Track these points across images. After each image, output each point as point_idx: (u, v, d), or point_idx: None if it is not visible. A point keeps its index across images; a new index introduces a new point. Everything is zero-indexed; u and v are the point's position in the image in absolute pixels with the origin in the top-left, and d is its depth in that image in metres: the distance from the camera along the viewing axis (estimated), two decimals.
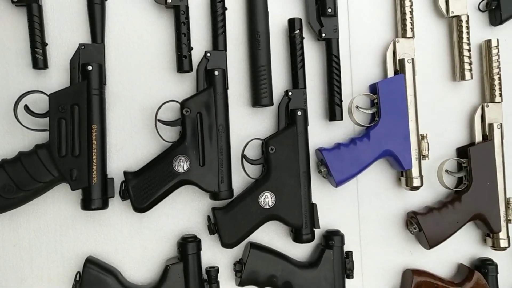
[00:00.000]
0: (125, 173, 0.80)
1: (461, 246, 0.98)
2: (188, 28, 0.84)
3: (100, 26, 0.82)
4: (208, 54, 0.85)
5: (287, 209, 0.84)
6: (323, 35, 0.90)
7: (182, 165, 0.80)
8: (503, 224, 0.93)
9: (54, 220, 0.83)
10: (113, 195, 0.81)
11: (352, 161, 0.88)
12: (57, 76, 0.83)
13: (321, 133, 0.92)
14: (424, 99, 0.95)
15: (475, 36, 0.98)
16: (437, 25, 0.99)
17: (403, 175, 0.93)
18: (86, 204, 0.78)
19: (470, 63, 0.94)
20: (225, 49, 0.86)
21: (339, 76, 0.90)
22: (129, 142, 0.85)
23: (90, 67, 0.79)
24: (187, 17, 0.83)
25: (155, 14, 0.87)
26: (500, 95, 0.95)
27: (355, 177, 0.89)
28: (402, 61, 0.92)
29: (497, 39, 0.96)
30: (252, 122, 0.90)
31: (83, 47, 0.81)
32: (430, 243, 0.90)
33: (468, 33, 0.94)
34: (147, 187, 0.79)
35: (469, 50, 0.94)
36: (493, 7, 0.98)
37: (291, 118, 0.87)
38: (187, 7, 0.83)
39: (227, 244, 0.83)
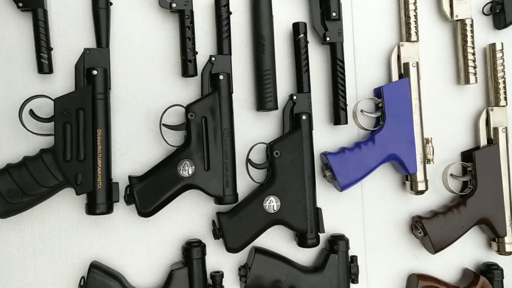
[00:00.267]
0: (130, 177, 0.80)
1: (466, 251, 0.97)
2: (193, 33, 0.84)
3: (105, 30, 0.82)
4: (213, 58, 0.85)
5: (292, 214, 0.84)
6: (328, 39, 0.90)
7: (187, 169, 0.80)
8: (508, 228, 0.93)
9: (58, 225, 0.83)
10: (118, 200, 0.81)
11: (357, 165, 0.88)
12: (62, 81, 0.83)
13: (325, 137, 0.92)
14: (428, 103, 0.95)
15: (480, 40, 0.98)
16: (441, 28, 0.99)
17: (408, 179, 0.92)
18: (91, 209, 0.78)
19: (474, 67, 0.94)
20: (230, 53, 0.86)
21: (344, 80, 0.90)
22: (134, 146, 0.85)
23: (95, 72, 0.79)
24: (192, 22, 0.84)
25: (160, 18, 0.87)
26: (505, 98, 0.95)
27: (360, 181, 0.89)
28: (406, 65, 0.92)
29: (502, 43, 0.96)
30: (256, 126, 0.90)
31: (88, 52, 0.81)
32: (435, 247, 0.90)
33: (472, 36, 0.94)
34: (152, 192, 0.79)
35: (473, 54, 0.94)
36: (497, 11, 0.98)
37: (296, 122, 0.87)
38: (191, 12, 0.84)
39: (231, 248, 0.83)
